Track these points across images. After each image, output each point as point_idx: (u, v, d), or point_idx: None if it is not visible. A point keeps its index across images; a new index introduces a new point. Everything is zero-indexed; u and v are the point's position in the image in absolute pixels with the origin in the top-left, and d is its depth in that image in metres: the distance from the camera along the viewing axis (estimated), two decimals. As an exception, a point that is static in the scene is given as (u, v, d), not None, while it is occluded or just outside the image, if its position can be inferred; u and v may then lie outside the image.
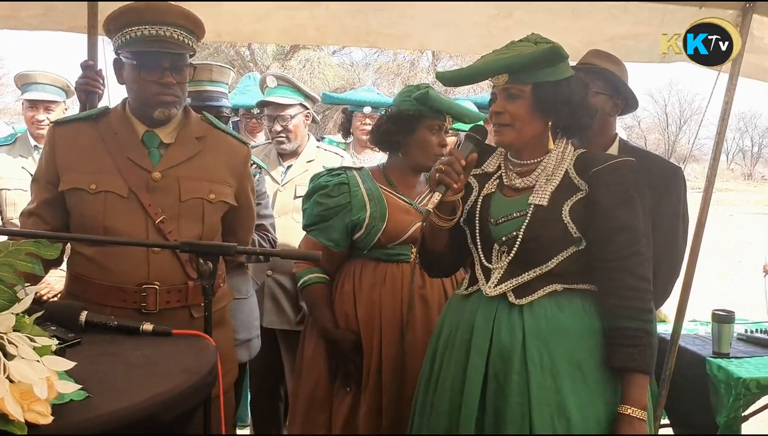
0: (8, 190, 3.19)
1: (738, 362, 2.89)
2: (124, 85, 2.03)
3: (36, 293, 2.81)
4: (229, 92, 3.17)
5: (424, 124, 2.29)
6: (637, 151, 2.46)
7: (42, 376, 1.06)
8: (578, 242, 1.77)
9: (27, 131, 3.39)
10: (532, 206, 1.79)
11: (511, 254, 1.78)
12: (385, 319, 2.24)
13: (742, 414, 2.87)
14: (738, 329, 3.19)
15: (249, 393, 3.48)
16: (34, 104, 3.38)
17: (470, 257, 1.92)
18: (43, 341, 1.14)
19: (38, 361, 1.09)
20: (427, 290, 2.26)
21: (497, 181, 1.89)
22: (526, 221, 1.78)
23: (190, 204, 1.98)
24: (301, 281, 2.40)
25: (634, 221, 1.77)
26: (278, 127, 3.09)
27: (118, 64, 2.00)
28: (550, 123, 1.81)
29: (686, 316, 3.38)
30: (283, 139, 3.10)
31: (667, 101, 45.95)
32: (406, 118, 2.30)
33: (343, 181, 2.33)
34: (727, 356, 2.94)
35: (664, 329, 3.09)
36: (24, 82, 3.45)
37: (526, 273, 1.78)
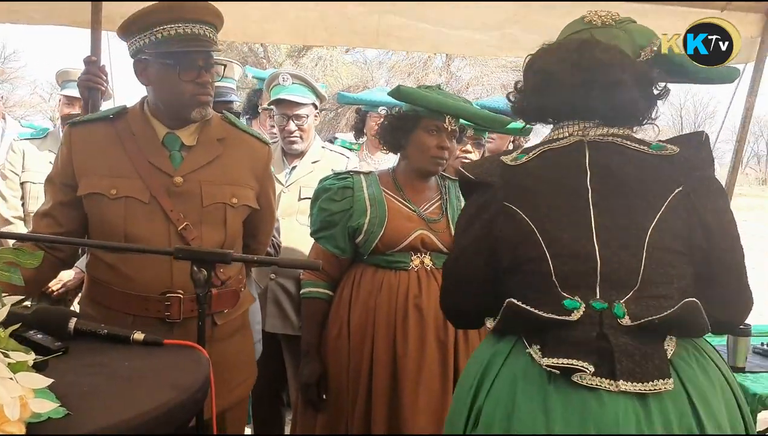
0: (33, 183, 3.24)
1: (754, 377, 2.80)
2: (147, 86, 1.98)
3: (47, 289, 2.85)
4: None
5: (421, 124, 2.22)
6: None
7: (15, 395, 1.00)
8: None
9: (59, 127, 3.41)
10: None
11: None
12: (378, 326, 2.18)
13: (758, 431, 2.78)
14: (755, 341, 3.10)
15: (251, 398, 3.41)
16: (71, 101, 3.46)
17: None
18: (19, 356, 1.08)
19: (11, 378, 1.02)
20: (422, 300, 2.18)
21: None
22: None
23: (212, 209, 1.95)
24: (304, 291, 2.36)
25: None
26: (292, 127, 3.02)
27: (141, 64, 1.94)
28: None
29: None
30: (297, 138, 3.03)
31: (683, 104, 45.61)
32: (404, 118, 2.24)
33: (348, 186, 2.27)
34: (742, 370, 2.85)
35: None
36: (64, 79, 3.54)
37: None
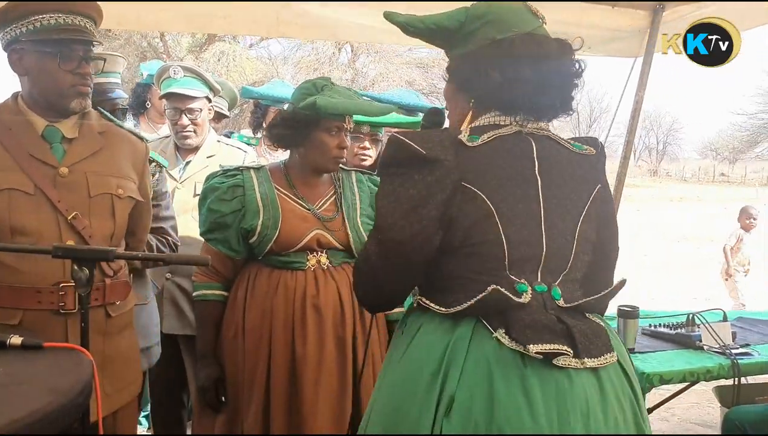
0: None
1: (643, 357, 2.94)
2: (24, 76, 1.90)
3: None
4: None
5: (321, 126, 2.18)
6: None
7: None
8: None
9: None
10: None
11: None
12: (275, 328, 2.14)
13: (647, 408, 2.92)
14: (643, 323, 3.25)
15: (151, 402, 3.31)
16: None
17: None
18: None
19: None
20: (320, 300, 2.15)
21: None
22: None
23: (100, 200, 1.92)
24: (197, 294, 2.28)
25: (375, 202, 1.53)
26: (185, 121, 2.92)
27: (16, 54, 1.87)
28: (472, 102, 1.55)
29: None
30: (190, 133, 2.94)
31: (578, 100, 47.52)
32: (302, 118, 2.18)
33: (238, 184, 2.20)
34: (632, 351, 2.98)
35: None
36: None
37: None
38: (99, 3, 1.94)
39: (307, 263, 2.18)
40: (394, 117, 2.87)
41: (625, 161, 3.11)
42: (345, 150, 2.22)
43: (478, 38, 1.50)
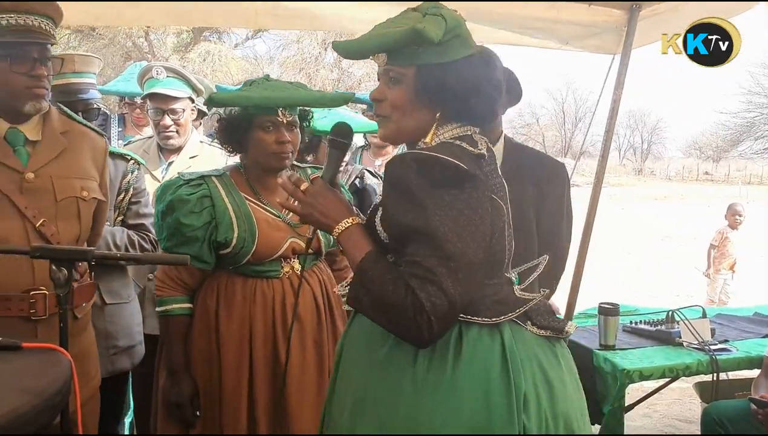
0: None
1: (623, 354, 2.98)
2: None
3: None
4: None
5: (255, 122, 2.12)
6: (520, 147, 2.46)
7: None
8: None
9: None
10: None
11: None
12: (255, 337, 2.12)
13: (625, 405, 2.95)
14: (624, 320, 3.29)
15: (133, 405, 3.29)
16: None
17: None
18: None
19: None
20: (299, 306, 2.13)
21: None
22: None
23: (66, 204, 1.91)
24: (162, 309, 2.18)
25: (419, 224, 1.38)
26: (168, 122, 2.93)
27: None
28: (438, 114, 1.52)
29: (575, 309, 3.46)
30: (173, 133, 2.94)
31: (565, 99, 47.78)
32: (237, 119, 2.13)
33: (205, 194, 2.11)
34: (613, 348, 3.02)
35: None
36: None
37: None
38: (70, 2, 1.93)
39: (282, 270, 2.16)
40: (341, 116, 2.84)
41: (602, 160, 3.11)
42: (287, 144, 2.13)
43: (450, 52, 1.49)
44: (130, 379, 2.93)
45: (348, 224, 1.52)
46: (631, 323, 3.35)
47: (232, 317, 2.12)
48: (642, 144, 58.56)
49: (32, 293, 1.82)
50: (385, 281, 1.40)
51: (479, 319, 1.46)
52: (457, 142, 1.50)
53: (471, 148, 1.47)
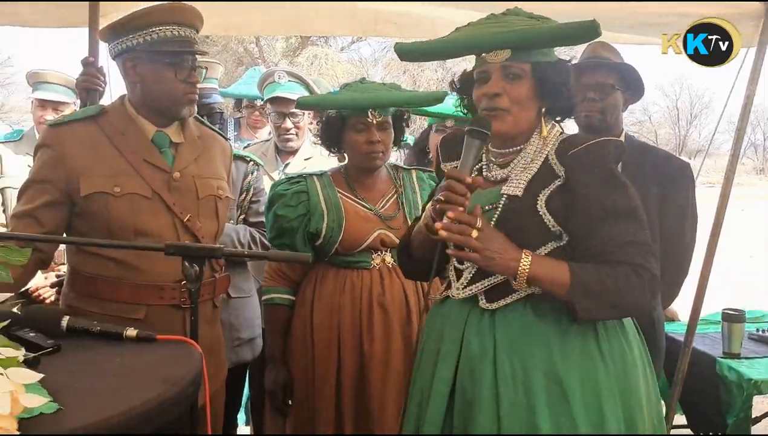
0: (13, 188, 3.04)
1: (749, 363, 2.82)
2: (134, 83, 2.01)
3: (37, 295, 2.81)
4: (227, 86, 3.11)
5: (348, 124, 2.20)
6: (644, 146, 2.40)
7: (5, 390, 1.00)
8: (558, 237, 1.57)
9: (34, 128, 3.34)
10: (504, 198, 1.60)
11: None
12: (343, 327, 2.18)
13: (753, 416, 2.80)
14: (750, 327, 3.11)
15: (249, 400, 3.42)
16: (43, 104, 3.38)
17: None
18: (9, 352, 1.08)
19: (2, 374, 1.03)
20: (386, 298, 2.18)
21: (476, 173, 1.66)
22: (497, 213, 1.60)
23: (206, 201, 2.06)
24: (266, 298, 2.33)
25: (623, 205, 1.53)
26: (288, 125, 3.05)
27: (131, 62, 1.98)
28: (544, 109, 1.63)
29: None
30: (292, 136, 3.07)
31: (678, 96, 45.57)
32: (332, 121, 2.23)
33: (302, 190, 2.25)
34: (737, 356, 2.87)
35: (674, 328, 3.02)
36: (35, 81, 3.43)
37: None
38: (206, 12, 2.05)
39: (372, 262, 2.22)
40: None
41: (733, 159, 2.93)
42: (377, 144, 2.18)
43: (551, 53, 1.63)
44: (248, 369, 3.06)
45: (528, 256, 1.52)
46: (757, 330, 3.17)
47: (323, 307, 2.21)
48: (764, 141, 55.08)
49: (183, 282, 1.89)
50: (604, 279, 1.49)
51: None
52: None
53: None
